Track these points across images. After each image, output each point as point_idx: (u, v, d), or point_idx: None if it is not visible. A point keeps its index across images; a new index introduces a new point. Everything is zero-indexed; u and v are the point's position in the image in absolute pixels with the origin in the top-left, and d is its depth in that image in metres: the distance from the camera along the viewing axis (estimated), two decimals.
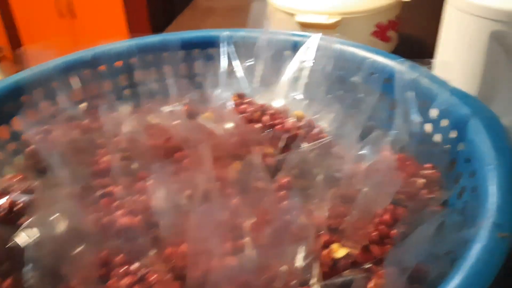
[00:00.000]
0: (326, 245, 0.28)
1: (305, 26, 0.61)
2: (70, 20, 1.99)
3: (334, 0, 0.60)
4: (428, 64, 0.36)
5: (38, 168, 0.33)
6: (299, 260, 0.27)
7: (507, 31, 0.38)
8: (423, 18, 0.77)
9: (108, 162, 0.33)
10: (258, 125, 0.35)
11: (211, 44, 0.42)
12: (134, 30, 2.00)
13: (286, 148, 0.34)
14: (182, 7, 0.97)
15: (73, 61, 0.38)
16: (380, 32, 0.62)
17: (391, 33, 0.64)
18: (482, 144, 0.27)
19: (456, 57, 0.43)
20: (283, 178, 0.32)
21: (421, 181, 0.31)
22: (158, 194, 0.30)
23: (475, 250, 0.21)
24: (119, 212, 0.30)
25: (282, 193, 0.32)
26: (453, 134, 0.31)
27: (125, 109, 0.38)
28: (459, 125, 0.30)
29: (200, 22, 0.86)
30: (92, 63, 0.39)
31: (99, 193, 0.32)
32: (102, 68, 0.40)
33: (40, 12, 1.99)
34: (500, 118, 0.42)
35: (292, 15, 0.61)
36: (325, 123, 0.38)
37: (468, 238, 0.22)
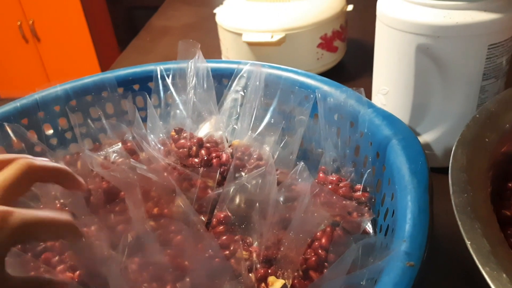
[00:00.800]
0: (263, 279, 0.29)
1: (252, 44, 0.62)
2: (35, 44, 1.97)
3: (277, 18, 0.61)
4: (357, 90, 0.36)
5: None
6: None
7: (432, 43, 0.39)
8: (368, 24, 0.79)
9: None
10: (196, 160, 0.36)
11: (149, 79, 0.43)
12: (100, 46, 1.99)
13: (224, 180, 0.35)
14: (143, 23, 0.97)
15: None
16: (326, 44, 0.63)
17: (338, 43, 0.65)
18: (401, 167, 0.28)
19: (389, 70, 0.44)
20: (221, 213, 0.33)
21: (353, 203, 0.32)
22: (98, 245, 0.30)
23: (385, 280, 0.22)
24: (60, 268, 0.30)
25: (220, 228, 0.32)
26: (377, 155, 0.32)
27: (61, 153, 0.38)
28: (382, 146, 0.31)
29: (155, 43, 0.86)
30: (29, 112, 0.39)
31: (39, 248, 0.32)
32: (41, 114, 0.40)
33: (5, 38, 1.97)
34: (434, 128, 0.44)
35: (239, 34, 0.62)
36: (263, 148, 0.38)
37: (382, 266, 0.23)
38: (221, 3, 0.71)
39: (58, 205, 0.33)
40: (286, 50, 0.62)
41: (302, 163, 0.32)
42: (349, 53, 0.70)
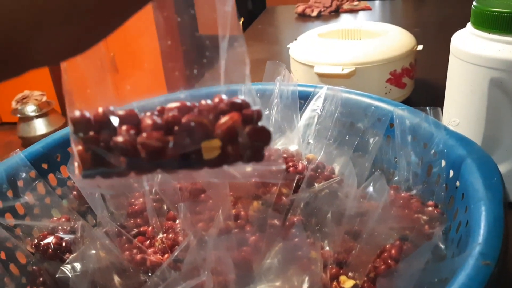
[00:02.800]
0: (334, 277, 0.31)
1: (323, 76, 0.66)
2: (113, 74, 2.14)
3: (348, 53, 0.64)
4: (434, 109, 0.39)
5: (81, 210, 0.38)
6: None
7: (505, 78, 0.41)
8: (437, 64, 0.80)
9: (142, 204, 0.38)
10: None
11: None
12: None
13: (299, 188, 0.38)
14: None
15: None
16: (395, 79, 0.66)
17: (406, 80, 0.67)
18: (475, 183, 0.30)
19: (461, 102, 0.46)
20: (294, 217, 0.35)
21: (424, 217, 0.34)
22: (185, 232, 0.34)
23: (461, 276, 0.23)
24: (150, 250, 0.34)
25: (294, 230, 0.35)
26: (450, 173, 0.34)
27: None
28: (456, 165, 0.33)
29: None
30: None
31: (133, 232, 0.36)
32: None
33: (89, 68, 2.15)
34: (505, 161, 0.44)
35: (311, 67, 0.66)
36: (336, 164, 0.41)
37: (457, 266, 0.25)
38: (292, 41, 0.76)
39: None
40: (355, 83, 0.65)
41: (379, 170, 0.34)
42: (417, 91, 0.72)
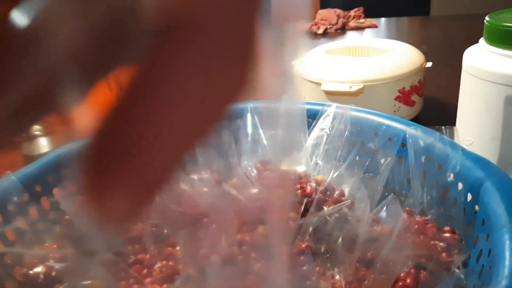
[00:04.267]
0: None
1: (330, 93, 0.64)
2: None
3: (356, 70, 0.63)
4: (450, 129, 0.37)
5: (74, 236, 0.36)
6: None
7: None
8: (446, 81, 0.79)
9: (140, 229, 0.36)
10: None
11: (238, 116, 0.45)
12: None
13: (307, 212, 0.36)
14: None
15: None
16: (404, 97, 0.64)
17: (415, 97, 0.66)
18: (496, 207, 0.28)
19: (474, 121, 0.44)
20: (302, 243, 0.33)
21: (441, 244, 0.31)
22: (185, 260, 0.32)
23: None
24: (148, 280, 0.32)
25: (302, 258, 0.33)
26: (468, 197, 0.31)
27: None
28: (474, 188, 0.31)
29: None
30: None
31: (130, 260, 0.34)
32: None
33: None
34: None
35: (318, 84, 0.65)
36: (345, 186, 0.39)
37: None
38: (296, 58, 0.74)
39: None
40: (363, 100, 0.63)
41: (392, 194, 0.32)
42: (426, 109, 0.70)
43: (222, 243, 0.33)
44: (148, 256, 0.33)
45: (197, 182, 0.40)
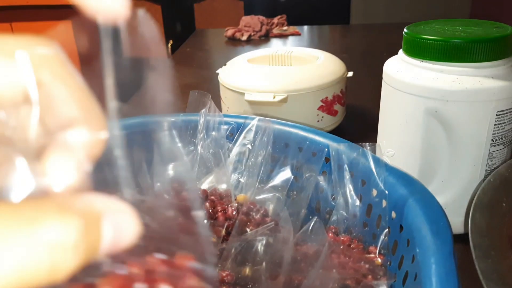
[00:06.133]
0: None
1: (254, 103, 0.62)
2: None
3: (279, 80, 0.62)
4: (372, 146, 0.36)
5: None
6: None
7: (440, 107, 0.39)
8: (367, 90, 0.80)
9: None
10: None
11: (153, 131, 0.42)
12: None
13: (229, 235, 0.33)
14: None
15: None
16: (326, 107, 0.64)
17: (338, 107, 0.66)
18: (421, 227, 0.27)
19: (395, 132, 0.44)
20: (223, 272, 0.30)
21: (366, 266, 0.30)
22: None
23: None
24: None
25: None
26: (393, 215, 0.31)
27: None
28: (398, 206, 0.30)
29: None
30: None
31: None
32: None
33: None
34: (441, 193, 0.43)
35: (241, 94, 0.62)
36: (269, 203, 0.37)
37: None
38: (222, 65, 0.72)
39: None
40: (287, 111, 0.62)
41: (317, 218, 0.30)
42: (348, 118, 0.71)
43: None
44: None
45: None
